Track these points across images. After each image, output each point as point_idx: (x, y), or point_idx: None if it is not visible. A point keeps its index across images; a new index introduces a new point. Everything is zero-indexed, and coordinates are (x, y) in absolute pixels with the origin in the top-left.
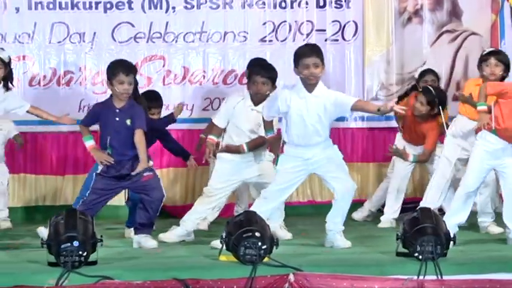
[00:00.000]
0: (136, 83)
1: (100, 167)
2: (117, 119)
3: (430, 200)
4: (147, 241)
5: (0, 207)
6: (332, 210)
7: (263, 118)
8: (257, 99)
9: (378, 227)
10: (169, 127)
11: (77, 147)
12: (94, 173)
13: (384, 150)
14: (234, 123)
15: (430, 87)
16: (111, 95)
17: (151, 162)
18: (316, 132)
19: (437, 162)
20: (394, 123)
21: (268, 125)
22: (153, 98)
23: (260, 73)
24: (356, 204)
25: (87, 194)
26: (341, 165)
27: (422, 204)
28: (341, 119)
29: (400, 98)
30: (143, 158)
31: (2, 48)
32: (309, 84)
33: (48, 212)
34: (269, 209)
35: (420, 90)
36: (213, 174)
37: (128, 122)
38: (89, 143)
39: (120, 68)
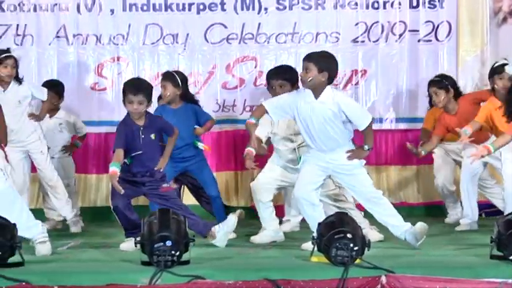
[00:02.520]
0: (186, 88)
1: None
2: (143, 136)
3: None
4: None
5: (73, 206)
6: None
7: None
8: None
9: (456, 230)
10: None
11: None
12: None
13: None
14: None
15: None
16: (127, 113)
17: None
18: (328, 138)
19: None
20: None
21: None
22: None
23: (274, 77)
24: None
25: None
26: (363, 180)
27: (508, 207)
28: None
29: None
30: (167, 154)
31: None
32: (314, 90)
33: (142, 212)
34: (316, 210)
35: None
36: (262, 172)
37: (153, 136)
38: (113, 169)
39: (128, 89)
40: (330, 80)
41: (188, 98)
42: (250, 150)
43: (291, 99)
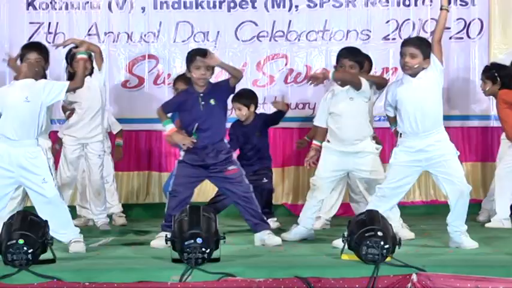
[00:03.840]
0: None
1: (182, 153)
2: (203, 103)
3: None
4: (270, 238)
5: (112, 204)
6: (450, 214)
7: (387, 115)
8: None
9: (486, 227)
10: (294, 125)
11: None
12: (176, 161)
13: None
14: (331, 112)
15: None
16: (190, 83)
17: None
18: (425, 117)
19: None
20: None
21: (392, 120)
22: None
23: (348, 56)
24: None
25: (172, 183)
26: (455, 167)
27: None
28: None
29: None
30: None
31: None
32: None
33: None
34: (388, 208)
35: None
36: (320, 164)
37: (212, 101)
38: (170, 127)
39: (196, 54)
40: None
41: None
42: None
43: (394, 86)
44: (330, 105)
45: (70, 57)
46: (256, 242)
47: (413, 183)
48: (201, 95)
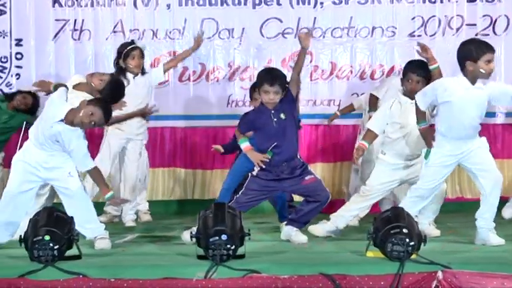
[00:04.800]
0: None
1: (256, 169)
2: (275, 119)
3: None
4: (297, 235)
5: (140, 201)
6: (481, 206)
7: (417, 109)
8: (411, 95)
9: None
10: (318, 122)
11: (225, 142)
12: (250, 174)
13: None
14: (396, 122)
15: None
16: (261, 103)
17: None
18: (472, 125)
19: None
20: None
21: (421, 115)
22: None
23: (416, 72)
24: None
25: (241, 193)
26: (488, 157)
27: None
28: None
29: None
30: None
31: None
32: (473, 77)
33: (197, 206)
34: (421, 208)
35: None
36: (373, 175)
37: (282, 116)
38: (245, 145)
39: (265, 78)
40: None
41: None
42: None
43: (442, 87)
44: (395, 115)
45: (124, 54)
46: (283, 236)
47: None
48: (272, 112)
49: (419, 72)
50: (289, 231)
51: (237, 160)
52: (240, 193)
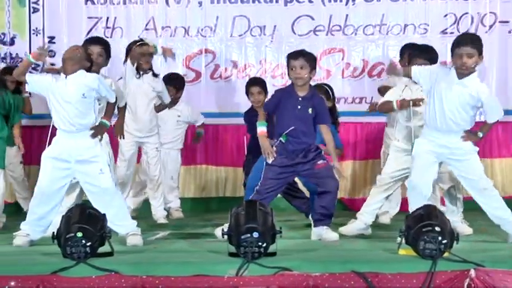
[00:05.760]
0: None
1: (270, 158)
2: (299, 107)
3: None
4: (328, 233)
5: (171, 199)
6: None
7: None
8: None
9: None
10: (352, 120)
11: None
12: (264, 163)
13: None
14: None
15: None
16: (292, 83)
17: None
18: (451, 119)
19: None
20: None
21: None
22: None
23: (420, 56)
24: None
25: (259, 184)
26: (475, 164)
27: None
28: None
29: None
30: (332, 153)
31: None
32: (461, 73)
33: (228, 203)
34: (424, 198)
35: None
36: (388, 163)
37: (310, 111)
38: (261, 129)
39: (289, 55)
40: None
41: (332, 115)
42: None
43: (435, 73)
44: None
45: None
46: (313, 236)
47: (434, 173)
48: (300, 98)
49: (423, 56)
50: (319, 231)
51: (260, 157)
52: (259, 184)
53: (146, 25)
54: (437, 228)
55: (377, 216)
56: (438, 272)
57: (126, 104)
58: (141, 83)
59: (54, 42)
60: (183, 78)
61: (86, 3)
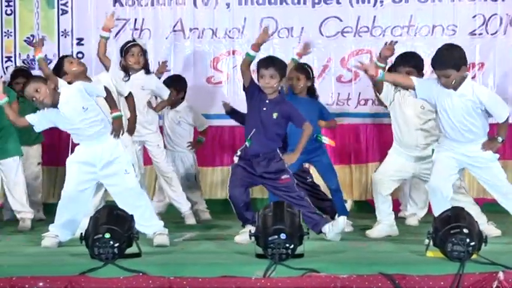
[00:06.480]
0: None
1: (236, 159)
2: (264, 109)
3: None
4: (334, 224)
5: (196, 199)
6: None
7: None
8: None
9: None
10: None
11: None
12: (232, 165)
13: None
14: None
15: None
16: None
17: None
18: (464, 130)
19: None
20: None
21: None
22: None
23: (402, 64)
24: None
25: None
26: (497, 171)
27: None
28: None
29: None
30: (299, 149)
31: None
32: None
33: (255, 205)
34: (445, 199)
35: None
36: (383, 163)
37: (274, 115)
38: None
39: (260, 63)
40: (467, 69)
41: (312, 92)
42: None
43: (436, 87)
44: (396, 104)
45: (124, 51)
46: (329, 236)
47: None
48: (267, 101)
49: (406, 64)
50: (328, 230)
51: None
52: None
53: (174, 27)
54: (465, 230)
55: (405, 218)
56: (466, 274)
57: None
58: (131, 83)
59: (82, 44)
60: (184, 80)
61: (114, 5)
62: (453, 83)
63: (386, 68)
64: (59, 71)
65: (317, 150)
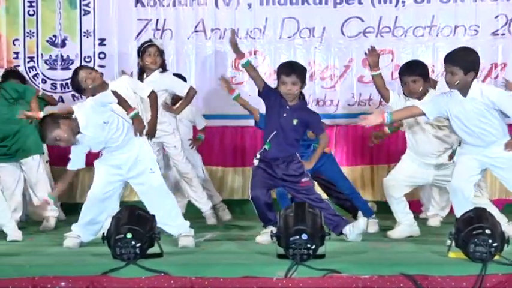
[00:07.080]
0: None
1: (256, 162)
2: (285, 115)
3: None
4: (355, 226)
5: (215, 201)
6: None
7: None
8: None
9: None
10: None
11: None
12: (253, 167)
13: None
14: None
15: None
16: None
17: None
18: (483, 134)
19: None
20: None
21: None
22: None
23: (407, 73)
24: None
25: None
26: None
27: None
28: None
29: None
30: (316, 156)
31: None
32: (460, 90)
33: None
34: (466, 200)
35: None
36: (397, 166)
37: (294, 122)
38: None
39: (281, 70)
40: (475, 76)
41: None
42: None
43: (443, 100)
44: None
45: (141, 51)
46: (350, 237)
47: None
48: (287, 107)
49: (411, 73)
50: (349, 232)
51: None
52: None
53: (196, 27)
54: (487, 231)
55: (427, 219)
56: (488, 275)
57: (154, 95)
58: (147, 85)
59: (104, 44)
60: (184, 79)
61: (136, 5)
62: (456, 83)
63: (386, 68)
64: (78, 88)
65: (321, 159)
